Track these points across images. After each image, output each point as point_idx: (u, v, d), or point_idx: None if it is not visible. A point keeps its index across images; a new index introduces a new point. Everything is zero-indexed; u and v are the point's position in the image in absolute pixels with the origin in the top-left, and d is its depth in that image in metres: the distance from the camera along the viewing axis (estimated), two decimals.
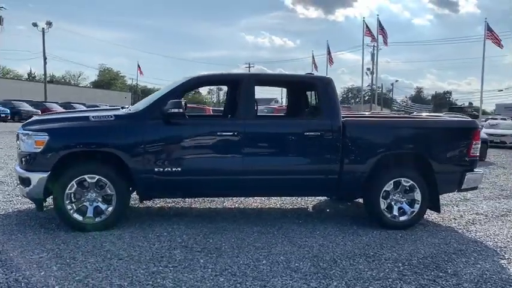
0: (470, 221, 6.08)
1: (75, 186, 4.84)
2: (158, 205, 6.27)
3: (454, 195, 7.68)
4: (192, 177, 5.07)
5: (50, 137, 4.79)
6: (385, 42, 42.47)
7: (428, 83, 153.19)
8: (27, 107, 33.09)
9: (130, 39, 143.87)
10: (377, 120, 6.00)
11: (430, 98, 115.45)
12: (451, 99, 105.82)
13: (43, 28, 43.02)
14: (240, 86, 5.34)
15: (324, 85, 5.45)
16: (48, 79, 70.23)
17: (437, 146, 5.53)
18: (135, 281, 3.58)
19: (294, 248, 4.57)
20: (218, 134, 5.09)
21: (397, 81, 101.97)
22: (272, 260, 4.16)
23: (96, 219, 4.91)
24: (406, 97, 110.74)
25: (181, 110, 4.86)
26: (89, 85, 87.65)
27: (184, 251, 4.32)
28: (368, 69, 55.66)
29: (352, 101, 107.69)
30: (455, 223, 5.93)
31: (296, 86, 6.36)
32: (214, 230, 5.10)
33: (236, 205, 6.46)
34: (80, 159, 4.94)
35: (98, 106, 26.28)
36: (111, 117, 4.99)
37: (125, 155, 4.87)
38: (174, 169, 4.98)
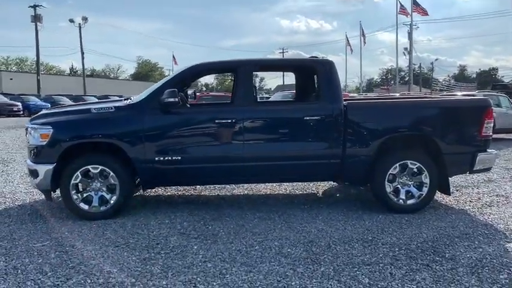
0: (488, 203, 5.83)
1: (80, 176, 5.01)
2: (168, 193, 6.39)
3: (478, 176, 7.39)
4: (192, 165, 5.12)
5: (54, 130, 4.96)
6: (425, 13, 40.73)
7: (473, 60, 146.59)
8: (66, 101, 34.34)
9: (167, 30, 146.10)
10: (380, 102, 5.83)
11: (474, 76, 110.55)
12: (497, 76, 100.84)
13: (79, 23, 44.38)
14: (238, 73, 5.32)
15: (324, 68, 5.33)
16: (88, 73, 72.83)
17: (445, 127, 5.31)
18: (125, 267, 3.67)
19: (291, 233, 4.54)
20: (217, 121, 5.10)
21: (437, 59, 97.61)
22: (265, 246, 4.17)
23: (102, 208, 5.07)
24: (448, 76, 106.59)
25: (176, 100, 4.90)
26: (128, 77, 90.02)
27: (180, 238, 4.40)
28: (405, 48, 53.94)
29: (392, 82, 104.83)
30: (470, 206, 5.70)
31: (299, 70, 6.27)
32: (217, 216, 5.15)
33: (245, 192, 6.48)
34: (84, 151, 5.10)
35: (108, 98, 26.84)
36: (111, 108, 5.11)
37: (125, 145, 4.99)
38: (174, 158, 5.06)
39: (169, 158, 5.05)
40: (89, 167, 5.01)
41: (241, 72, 5.26)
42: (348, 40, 48.67)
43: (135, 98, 5.41)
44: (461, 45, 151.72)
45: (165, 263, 3.77)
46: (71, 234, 4.58)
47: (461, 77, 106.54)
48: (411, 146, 5.38)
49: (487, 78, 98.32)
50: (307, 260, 3.82)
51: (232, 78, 6.44)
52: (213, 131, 5.15)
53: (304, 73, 6.10)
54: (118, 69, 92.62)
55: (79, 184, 5.08)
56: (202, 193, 6.40)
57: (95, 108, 5.15)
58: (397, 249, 4.09)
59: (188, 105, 5.77)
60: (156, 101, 5.06)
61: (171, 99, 4.89)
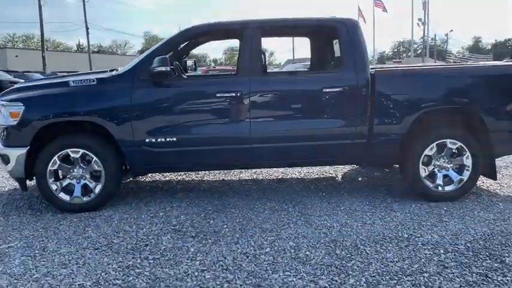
0: None
1: (58, 162, 4.24)
2: (166, 178, 5.61)
3: None
4: (189, 148, 4.31)
5: (26, 107, 4.17)
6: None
7: (488, 31, 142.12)
8: None
9: (174, 4, 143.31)
10: (414, 69, 4.90)
11: (489, 47, 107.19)
12: None
13: None
14: (243, 37, 4.43)
15: (347, 30, 4.42)
16: (95, 50, 71.69)
17: (492, 98, 4.41)
18: (101, 279, 2.92)
19: (309, 229, 3.75)
20: (218, 95, 4.26)
21: (451, 31, 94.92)
22: (278, 247, 3.38)
23: (85, 199, 4.32)
24: (462, 48, 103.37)
25: (168, 69, 4.06)
26: (135, 53, 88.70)
27: (174, 237, 3.63)
28: (419, 19, 51.90)
29: (404, 55, 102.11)
30: None
31: (315, 33, 5.34)
32: (220, 207, 4.37)
33: (254, 175, 5.68)
34: (62, 132, 4.32)
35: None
36: (93, 81, 4.28)
37: (109, 124, 4.19)
38: (167, 139, 4.25)
39: (162, 139, 4.25)
40: (68, 150, 4.23)
41: (247, 35, 4.37)
42: (360, 10, 46.67)
43: (122, 69, 4.58)
44: (476, 17, 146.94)
45: (153, 272, 3.01)
46: (45, 231, 3.84)
47: (476, 49, 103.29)
48: (451, 122, 4.50)
49: (503, 50, 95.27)
50: (330, 268, 3.03)
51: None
52: (213, 106, 4.31)
53: (323, 36, 5.18)
54: (125, 45, 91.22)
55: (58, 171, 4.32)
56: (205, 178, 5.61)
57: (73, 81, 4.32)
58: (442, 251, 3.28)
59: (185, 76, 4.92)
60: (145, 71, 4.23)
61: (162, 68, 4.05)
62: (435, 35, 73.03)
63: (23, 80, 28.17)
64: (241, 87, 4.27)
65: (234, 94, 4.25)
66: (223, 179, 5.58)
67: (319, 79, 4.49)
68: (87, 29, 43.97)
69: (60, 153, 4.22)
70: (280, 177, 5.62)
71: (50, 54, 47.87)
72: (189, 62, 5.83)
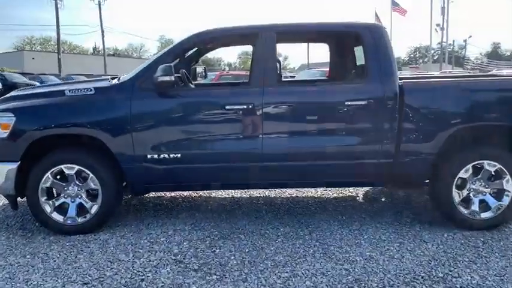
0: None
1: (52, 178, 3.85)
2: (172, 194, 5.19)
3: None
4: (195, 165, 3.89)
5: (17, 118, 3.80)
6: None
7: (507, 37, 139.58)
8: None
9: (188, 8, 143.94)
10: (449, 81, 4.41)
11: (508, 54, 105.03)
12: None
13: (99, 1, 43.29)
14: (256, 43, 4.00)
15: (372, 36, 3.96)
16: (111, 52, 72.07)
17: None
18: None
19: (329, 263, 3.29)
20: (228, 108, 3.83)
21: (470, 36, 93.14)
22: None
23: (80, 220, 3.92)
24: (480, 54, 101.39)
25: (172, 78, 3.65)
26: (150, 57, 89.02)
27: (175, 270, 3.19)
28: (437, 25, 50.96)
29: (420, 60, 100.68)
30: None
31: (336, 39, 4.87)
32: (228, 232, 3.92)
33: (266, 193, 5.22)
34: (56, 146, 3.93)
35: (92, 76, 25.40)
36: (90, 90, 3.89)
37: (107, 138, 3.79)
38: (171, 155, 3.83)
39: (166, 155, 3.83)
40: (62, 166, 3.84)
41: (260, 41, 3.93)
42: (377, 16, 45.95)
43: (123, 77, 4.18)
44: (496, 22, 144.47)
45: None
46: (33, 258, 3.45)
47: (495, 55, 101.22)
48: (489, 142, 4.00)
49: None
50: None
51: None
52: (222, 120, 3.88)
53: (344, 43, 4.72)
54: (141, 49, 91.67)
55: (51, 189, 3.93)
56: (213, 194, 5.17)
57: (69, 90, 3.94)
58: None
59: (192, 86, 4.51)
60: (148, 81, 3.82)
61: (166, 78, 3.64)
62: (453, 41, 71.67)
63: (37, 83, 28.17)
64: (253, 98, 3.83)
65: (245, 106, 3.82)
66: (232, 195, 5.14)
67: (340, 90, 4.01)
68: (102, 32, 44.16)
69: (53, 170, 3.84)
70: (294, 195, 5.15)
71: (66, 57, 48.16)
72: (199, 69, 5.41)
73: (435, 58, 61.50)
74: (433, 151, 3.87)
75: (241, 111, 3.83)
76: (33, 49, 69.10)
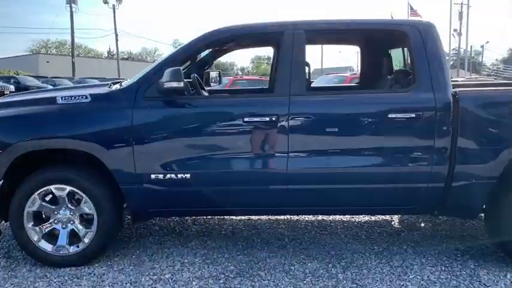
0: None
1: (39, 201, 3.27)
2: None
3: None
4: (206, 188, 3.28)
5: None
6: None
7: None
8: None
9: (204, 13, 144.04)
10: None
11: None
12: None
13: (113, 5, 43.17)
14: (280, 44, 3.37)
15: (419, 35, 3.30)
16: (125, 56, 72.11)
17: None
18: None
19: None
20: (247, 120, 3.21)
21: (487, 42, 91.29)
22: None
23: (72, 249, 3.33)
24: (496, 60, 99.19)
25: (181, 84, 3.04)
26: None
27: None
28: (455, 30, 49.86)
29: None
30: None
31: (373, 40, 4.21)
32: (245, 267, 3.30)
33: (287, 216, 4.57)
34: (45, 162, 3.37)
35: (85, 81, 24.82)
36: (85, 97, 3.30)
37: (104, 155, 3.20)
38: (179, 175, 3.22)
39: (173, 175, 3.22)
40: (52, 187, 3.26)
41: (287, 40, 3.30)
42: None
43: (126, 82, 3.59)
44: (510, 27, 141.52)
45: None
46: None
47: (511, 61, 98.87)
48: None
49: None
50: None
51: (274, 54, 4.49)
52: (240, 134, 3.26)
53: (385, 43, 4.07)
54: (155, 53, 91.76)
55: (40, 213, 3.35)
56: (227, 216, 4.54)
57: (62, 97, 3.36)
58: None
59: (205, 93, 3.91)
60: (152, 87, 3.23)
61: (173, 84, 3.04)
62: (471, 47, 70.21)
63: (50, 86, 27.95)
64: (277, 109, 3.21)
65: (267, 119, 3.19)
66: (249, 217, 4.50)
67: (381, 100, 3.35)
68: (116, 35, 44.02)
69: (41, 190, 3.26)
70: (319, 218, 4.50)
71: (80, 61, 48.20)
72: (213, 74, 4.79)
73: (451, 64, 60.14)
74: (494, 174, 3.20)
75: (262, 124, 3.21)
76: (49, 52, 69.53)
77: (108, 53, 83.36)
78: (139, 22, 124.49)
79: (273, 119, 3.17)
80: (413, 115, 3.17)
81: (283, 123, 3.17)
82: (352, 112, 3.28)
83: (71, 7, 44.09)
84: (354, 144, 3.27)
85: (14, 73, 38.23)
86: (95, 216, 3.28)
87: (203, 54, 4.34)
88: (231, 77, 16.53)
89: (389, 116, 3.18)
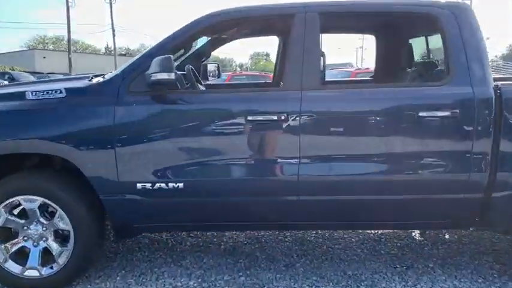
0: None
1: (5, 214, 2.77)
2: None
3: None
4: (203, 199, 2.77)
5: None
6: None
7: None
8: None
9: (201, 10, 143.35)
10: None
11: None
12: None
13: (110, 0, 42.53)
14: (291, 28, 2.85)
15: (454, 19, 2.80)
16: (123, 52, 71.34)
17: None
18: None
19: None
20: (250, 118, 2.70)
21: (488, 38, 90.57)
22: None
23: (44, 271, 2.83)
24: (496, 56, 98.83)
25: (172, 76, 2.53)
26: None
27: None
28: None
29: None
30: None
31: (394, 25, 3.70)
32: None
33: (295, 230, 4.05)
34: (12, 169, 2.86)
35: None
36: (60, 92, 2.79)
37: (80, 159, 2.69)
38: (170, 185, 2.72)
39: (163, 184, 2.72)
40: (20, 198, 2.75)
41: (298, 25, 2.78)
42: None
43: (108, 75, 3.07)
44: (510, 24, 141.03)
45: None
46: None
47: (510, 58, 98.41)
48: None
49: None
50: None
51: (280, 43, 3.96)
52: (242, 135, 2.75)
53: (412, 29, 3.55)
54: None
55: (7, 228, 2.85)
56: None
57: (32, 92, 2.84)
58: None
59: (201, 87, 3.40)
60: (138, 80, 2.72)
61: (163, 75, 2.52)
62: None
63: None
64: (286, 106, 2.70)
65: (275, 117, 2.69)
66: (250, 231, 4.00)
67: (410, 96, 2.84)
68: (113, 31, 43.44)
69: (7, 202, 2.75)
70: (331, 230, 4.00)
71: (77, 56, 47.65)
72: (211, 67, 4.25)
73: None
74: None
75: (269, 124, 2.71)
76: (46, 48, 68.74)
77: (105, 49, 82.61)
78: (138, 18, 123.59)
79: (282, 117, 2.66)
80: (448, 113, 2.67)
81: (294, 122, 2.67)
82: (373, 109, 2.76)
83: (67, 1, 43.48)
84: (377, 147, 2.76)
85: (10, 69, 37.62)
86: (72, 233, 2.78)
87: (200, 43, 3.83)
88: (230, 73, 16.04)
89: (420, 114, 2.67)
